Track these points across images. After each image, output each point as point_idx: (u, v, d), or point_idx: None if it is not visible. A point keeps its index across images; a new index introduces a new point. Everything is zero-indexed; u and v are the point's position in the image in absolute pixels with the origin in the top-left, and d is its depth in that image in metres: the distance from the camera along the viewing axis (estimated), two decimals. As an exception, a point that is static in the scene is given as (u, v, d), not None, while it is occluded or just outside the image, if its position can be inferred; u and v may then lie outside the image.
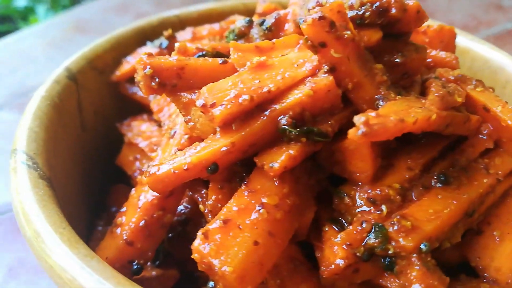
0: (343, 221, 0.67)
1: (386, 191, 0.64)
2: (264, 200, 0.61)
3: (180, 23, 1.11)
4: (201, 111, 0.61)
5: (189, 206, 0.78)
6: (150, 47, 1.00)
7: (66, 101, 0.85)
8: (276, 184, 0.63)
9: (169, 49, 0.98)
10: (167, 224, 0.73)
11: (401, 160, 0.69)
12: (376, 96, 0.64)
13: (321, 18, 0.59)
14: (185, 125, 0.73)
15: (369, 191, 0.65)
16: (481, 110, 0.72)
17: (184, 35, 1.00)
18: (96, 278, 0.51)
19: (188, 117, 0.67)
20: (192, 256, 0.56)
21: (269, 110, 0.61)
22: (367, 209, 0.64)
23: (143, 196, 0.72)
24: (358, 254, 0.62)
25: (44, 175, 0.67)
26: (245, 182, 0.63)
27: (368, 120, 0.53)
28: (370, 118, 0.53)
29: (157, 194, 0.71)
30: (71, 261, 0.54)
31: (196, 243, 0.56)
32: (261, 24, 0.78)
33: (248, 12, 1.15)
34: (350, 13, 0.65)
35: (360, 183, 0.66)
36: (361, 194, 0.65)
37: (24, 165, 0.67)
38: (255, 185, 0.63)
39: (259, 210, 0.60)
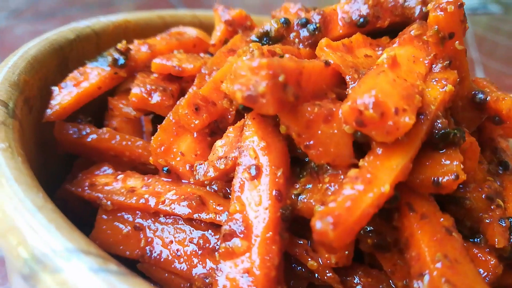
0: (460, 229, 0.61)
1: (495, 184, 0.63)
2: (443, 221, 0.50)
3: (96, 36, 0.81)
4: (364, 121, 0.45)
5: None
6: (95, 67, 0.68)
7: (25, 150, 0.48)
8: (432, 203, 0.52)
9: (127, 68, 0.70)
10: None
11: (464, 156, 0.69)
12: (473, 92, 0.62)
13: (461, 6, 0.53)
14: (272, 156, 0.53)
15: (480, 189, 0.62)
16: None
17: (138, 50, 0.73)
18: None
19: (309, 142, 0.48)
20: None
21: (425, 113, 0.50)
22: (491, 207, 0.60)
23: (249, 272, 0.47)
24: (504, 255, 0.58)
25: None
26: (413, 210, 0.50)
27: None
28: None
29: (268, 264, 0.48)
30: None
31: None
32: (304, 24, 0.64)
33: (166, 24, 0.95)
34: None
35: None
36: (476, 194, 0.61)
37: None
38: (421, 209, 0.50)
39: (452, 234, 0.49)
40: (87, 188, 0.61)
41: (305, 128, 0.48)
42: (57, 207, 0.41)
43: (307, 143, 0.49)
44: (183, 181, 0.61)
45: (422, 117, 0.50)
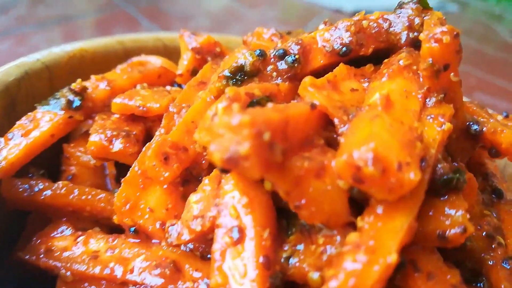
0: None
1: (494, 220, 0.58)
2: (450, 279, 0.45)
3: (48, 71, 0.72)
4: (362, 178, 0.39)
5: None
6: (47, 111, 0.59)
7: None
8: (436, 255, 0.47)
9: (84, 110, 0.62)
10: None
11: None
12: (468, 123, 0.57)
13: (457, 36, 0.47)
14: (256, 213, 0.46)
15: (479, 227, 0.57)
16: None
17: (96, 87, 0.65)
18: None
19: (300, 202, 0.42)
20: None
21: (426, 158, 0.45)
22: (492, 246, 0.56)
23: None
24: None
25: None
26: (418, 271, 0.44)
27: None
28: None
29: None
30: None
31: None
32: (282, 56, 0.57)
33: (127, 51, 0.87)
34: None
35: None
36: (476, 233, 0.57)
37: None
38: (426, 267, 0.45)
39: (462, 295, 0.43)
40: (42, 255, 0.53)
41: (295, 186, 0.42)
42: None
43: (298, 203, 0.42)
44: (153, 241, 0.53)
45: (424, 164, 0.45)
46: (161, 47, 0.92)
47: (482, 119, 0.59)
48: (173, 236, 0.50)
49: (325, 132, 0.49)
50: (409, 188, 0.39)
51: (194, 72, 0.74)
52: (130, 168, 0.55)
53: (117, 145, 0.56)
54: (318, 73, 0.60)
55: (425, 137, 0.47)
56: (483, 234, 0.56)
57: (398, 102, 0.48)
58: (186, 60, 0.73)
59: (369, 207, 0.42)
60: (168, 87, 0.70)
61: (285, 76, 0.58)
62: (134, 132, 0.58)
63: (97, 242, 0.54)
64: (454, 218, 0.45)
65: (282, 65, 0.57)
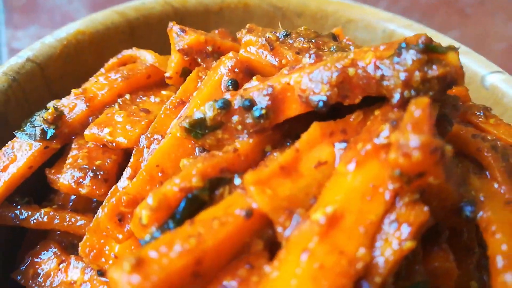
0: None
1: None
2: None
3: (40, 70, 0.71)
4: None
5: None
6: (23, 141, 0.60)
7: None
8: None
9: (60, 138, 0.61)
10: None
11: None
12: (460, 204, 0.48)
13: (435, 150, 0.37)
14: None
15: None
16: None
17: (73, 107, 0.63)
18: None
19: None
20: None
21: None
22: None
23: None
24: None
25: None
26: None
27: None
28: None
29: None
30: None
31: None
32: (248, 108, 0.50)
33: (131, 24, 0.80)
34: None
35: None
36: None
37: None
38: None
39: None
40: (31, 281, 0.60)
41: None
42: None
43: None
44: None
45: (363, 295, 0.40)
46: (171, 13, 0.84)
47: (482, 196, 0.49)
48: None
49: (270, 230, 0.45)
50: None
51: (184, 73, 0.68)
52: (95, 217, 0.56)
53: (84, 189, 0.57)
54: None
55: (375, 258, 0.41)
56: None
57: (352, 214, 0.41)
58: (173, 62, 0.67)
59: None
60: (152, 99, 0.66)
61: (251, 130, 0.51)
62: (102, 172, 0.58)
63: (75, 271, 0.59)
64: None
65: (248, 119, 0.50)
